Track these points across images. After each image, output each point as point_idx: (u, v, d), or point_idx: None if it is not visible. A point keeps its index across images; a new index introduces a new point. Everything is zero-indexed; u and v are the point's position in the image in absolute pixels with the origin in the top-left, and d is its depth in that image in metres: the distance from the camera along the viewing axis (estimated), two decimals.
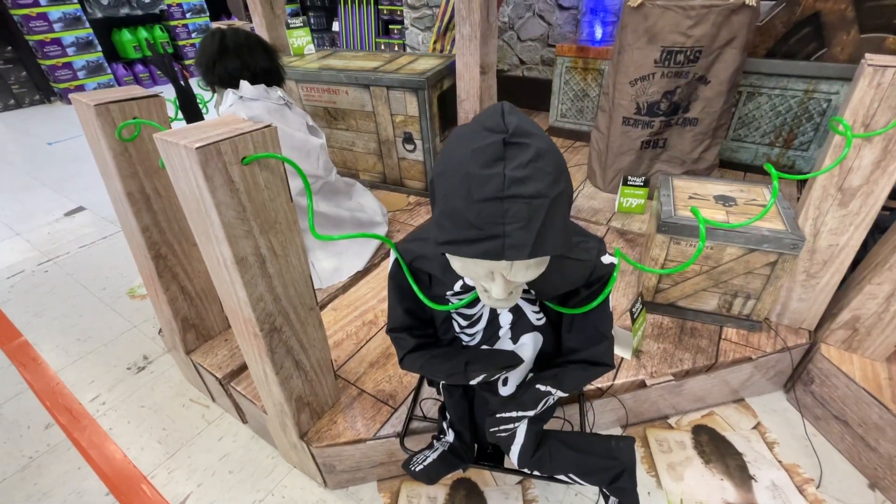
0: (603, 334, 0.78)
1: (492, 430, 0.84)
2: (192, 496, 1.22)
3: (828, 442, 1.29)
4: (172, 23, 5.31)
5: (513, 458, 0.88)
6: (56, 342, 1.76)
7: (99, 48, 4.82)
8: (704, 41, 1.67)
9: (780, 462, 1.25)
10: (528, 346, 0.82)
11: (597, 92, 2.51)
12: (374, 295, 1.58)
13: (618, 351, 1.31)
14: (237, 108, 1.51)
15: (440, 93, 1.98)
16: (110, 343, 1.74)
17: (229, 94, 1.56)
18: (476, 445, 1.00)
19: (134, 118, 1.00)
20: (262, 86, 1.57)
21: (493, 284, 0.56)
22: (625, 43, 1.78)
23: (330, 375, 1.14)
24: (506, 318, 0.81)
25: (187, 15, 5.41)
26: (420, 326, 0.86)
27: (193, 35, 5.52)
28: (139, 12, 4.96)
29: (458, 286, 0.74)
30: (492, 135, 0.48)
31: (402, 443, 1.07)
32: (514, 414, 0.82)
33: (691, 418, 1.38)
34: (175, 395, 1.52)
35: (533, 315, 0.80)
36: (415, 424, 1.12)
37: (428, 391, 1.21)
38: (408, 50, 3.83)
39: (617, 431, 1.35)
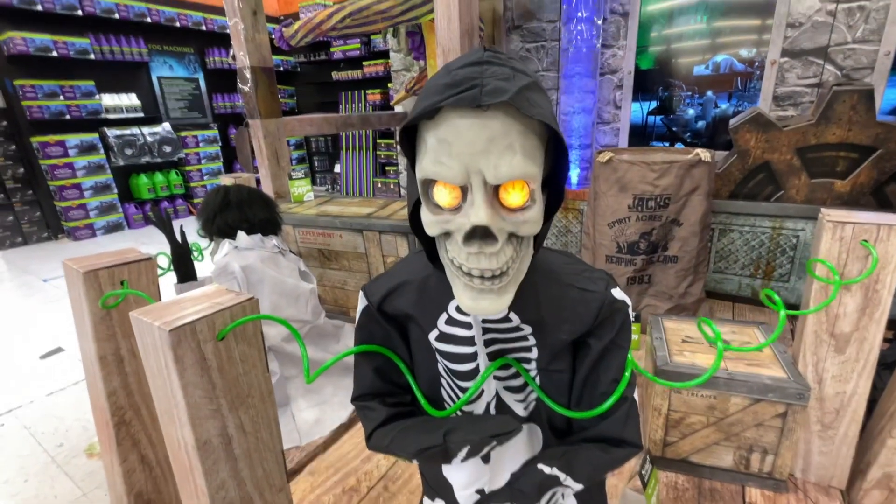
0: (623, 398, 0.59)
1: None
2: None
3: None
4: (188, 168, 5.83)
5: None
6: None
7: (115, 190, 5.20)
8: (671, 190, 1.82)
9: None
10: (520, 441, 0.65)
11: (578, 228, 2.66)
12: (358, 454, 1.44)
13: None
14: (231, 257, 1.55)
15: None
16: None
17: (225, 243, 1.62)
18: None
19: (122, 282, 1.00)
20: (259, 235, 1.64)
21: (472, 208, 0.44)
22: (599, 190, 1.94)
23: None
24: (481, 404, 0.64)
25: (202, 161, 5.97)
26: (393, 392, 0.69)
27: (205, 177, 6.02)
28: (159, 160, 5.48)
29: (443, 320, 0.60)
30: (471, 55, 0.47)
31: None
32: None
33: None
34: None
35: (518, 405, 0.63)
36: None
37: None
38: (402, 191, 4.15)
39: None
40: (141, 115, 5.35)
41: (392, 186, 5.68)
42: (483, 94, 0.41)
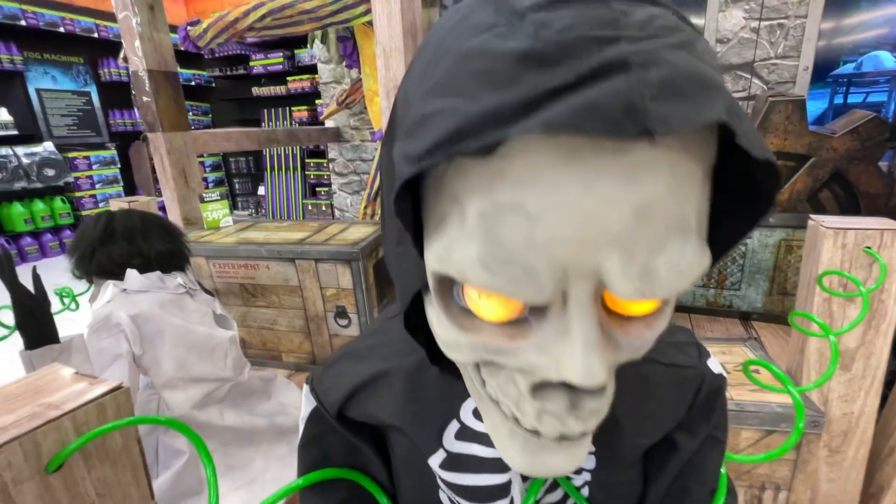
0: None
1: None
2: None
3: None
4: (77, 194, 5.01)
5: None
6: None
7: None
8: None
9: None
10: None
11: None
12: None
13: None
14: (116, 304, 1.17)
15: (376, 261, 1.81)
16: None
17: (109, 286, 1.24)
18: None
19: None
20: (157, 273, 1.28)
21: (567, 342, 0.21)
22: None
23: None
24: None
25: (97, 185, 5.17)
26: None
27: (101, 205, 5.22)
28: (39, 185, 4.63)
29: (451, 433, 0.37)
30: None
31: None
32: None
33: None
34: None
35: None
36: None
37: None
38: (336, 213, 3.83)
39: None
40: (14, 132, 4.51)
41: (324, 208, 5.30)
42: (647, 98, 0.16)
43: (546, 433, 0.25)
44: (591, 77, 0.16)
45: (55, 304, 1.12)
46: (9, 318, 1.05)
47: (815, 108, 2.40)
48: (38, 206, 4.73)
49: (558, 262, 0.19)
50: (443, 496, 0.41)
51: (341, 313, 1.78)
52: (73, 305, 1.38)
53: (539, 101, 0.16)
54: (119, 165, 5.33)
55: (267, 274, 1.81)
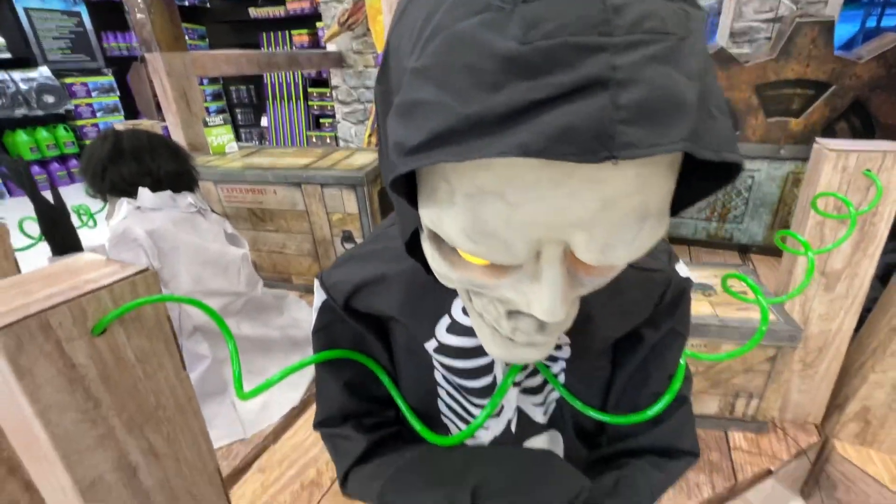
0: (682, 398, 0.47)
1: None
2: None
3: None
4: (79, 122, 4.94)
5: None
6: None
7: None
8: None
9: None
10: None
11: None
12: (316, 440, 1.25)
13: None
14: (132, 221, 1.22)
15: (381, 187, 1.83)
16: None
17: (123, 203, 1.28)
18: None
19: None
20: (168, 192, 1.31)
21: (539, 287, 0.25)
22: None
23: None
24: (501, 422, 0.48)
25: (98, 114, 5.09)
26: (371, 411, 0.51)
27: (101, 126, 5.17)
28: (40, 112, 4.56)
29: (443, 327, 0.43)
30: None
31: None
32: None
33: None
34: None
35: (536, 409, 0.48)
36: None
37: None
38: (340, 143, 3.78)
39: None
40: (7, 55, 4.37)
41: (329, 141, 5.21)
42: (618, 109, 0.17)
43: (518, 341, 0.31)
44: (570, 93, 0.17)
45: (73, 222, 1.18)
46: (33, 230, 1.11)
47: (844, 31, 2.25)
48: (42, 133, 4.70)
49: (532, 238, 0.23)
50: (437, 375, 0.48)
51: (348, 237, 1.83)
52: (90, 223, 1.43)
53: (520, 113, 0.18)
54: (118, 94, 5.20)
55: (274, 199, 1.85)
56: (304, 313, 1.63)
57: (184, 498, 0.62)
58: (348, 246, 1.86)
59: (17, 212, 4.39)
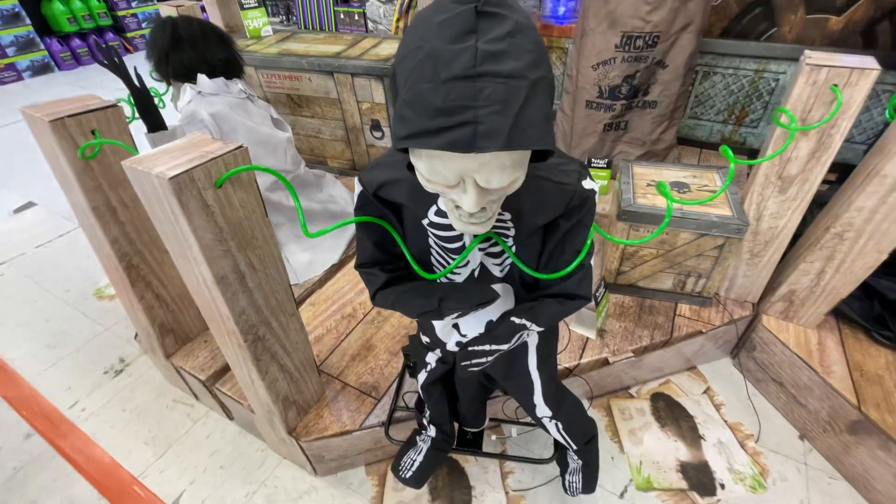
0: (581, 265, 0.70)
1: (463, 363, 0.80)
2: (185, 493, 1.27)
3: (766, 401, 1.46)
4: None
5: (538, 403, 0.94)
6: (24, 350, 1.72)
7: (28, 21, 4.42)
8: (662, 26, 1.71)
9: (725, 421, 1.40)
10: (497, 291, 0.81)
11: (561, 70, 2.53)
12: (352, 287, 1.62)
13: (583, 331, 1.41)
14: (196, 104, 1.46)
15: None
16: (83, 348, 1.72)
17: (187, 89, 1.50)
18: (457, 434, 1.07)
19: (93, 131, 0.97)
20: (222, 79, 1.52)
21: (464, 196, 0.49)
22: (587, 27, 1.80)
23: (313, 373, 1.19)
24: (468, 270, 0.75)
25: None
26: (390, 260, 0.78)
27: (134, 4, 5.11)
28: None
29: (432, 212, 0.68)
30: (461, 5, 0.42)
31: (386, 433, 1.15)
32: (486, 347, 0.79)
33: (650, 387, 1.51)
34: (157, 396, 1.54)
35: (495, 268, 0.74)
36: (398, 414, 1.19)
37: (409, 383, 1.27)
38: (369, 25, 3.70)
39: (584, 404, 1.47)
40: None
41: (357, 18, 4.99)
42: (477, 138, 0.41)
43: (464, 220, 0.56)
44: (460, 125, 0.41)
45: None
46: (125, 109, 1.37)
47: None
48: (76, 4, 4.71)
49: (454, 175, 0.47)
50: (430, 240, 0.75)
51: (376, 126, 2.03)
52: (161, 104, 1.67)
53: (442, 131, 0.41)
54: None
55: (309, 86, 2.01)
56: (339, 191, 1.91)
57: (270, 298, 0.96)
58: (376, 134, 2.06)
59: (72, 85, 4.57)
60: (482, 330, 0.80)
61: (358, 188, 0.72)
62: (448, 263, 0.74)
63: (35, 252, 2.23)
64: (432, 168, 0.47)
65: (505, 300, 0.79)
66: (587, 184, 0.66)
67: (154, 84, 1.60)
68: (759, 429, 1.38)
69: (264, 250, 0.89)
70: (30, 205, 2.61)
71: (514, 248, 0.71)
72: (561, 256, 0.71)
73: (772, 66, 2.06)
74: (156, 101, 1.62)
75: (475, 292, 0.70)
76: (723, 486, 1.25)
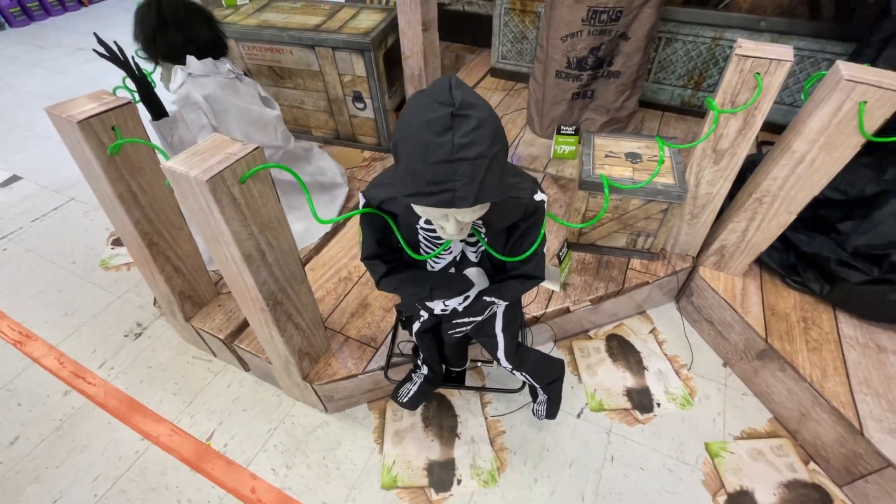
0: (535, 253, 0.91)
1: (450, 332, 1.08)
2: (216, 432, 1.50)
3: (699, 337, 1.75)
4: None
5: (500, 357, 1.17)
6: (43, 319, 1.87)
7: None
8: (624, 1, 1.83)
9: (665, 355, 1.69)
10: (472, 275, 1.04)
11: (534, 35, 2.62)
12: (346, 253, 1.80)
13: (549, 285, 1.65)
14: (189, 87, 1.54)
15: (386, 50, 2.04)
16: (100, 314, 1.88)
17: (178, 71, 1.58)
18: (444, 373, 1.33)
19: (112, 127, 1.09)
20: (210, 59, 1.59)
21: (447, 223, 0.71)
22: (555, 0, 1.91)
23: (321, 329, 1.40)
24: (450, 258, 0.97)
25: None
26: (389, 253, 0.99)
27: None
28: None
29: (422, 220, 0.88)
30: (441, 107, 0.60)
31: (385, 375, 1.38)
32: (465, 319, 1.04)
33: (606, 329, 1.78)
34: (177, 354, 1.74)
35: (472, 254, 0.96)
36: (394, 360, 1.43)
37: (402, 334, 1.50)
38: None
39: (550, 345, 1.74)
40: None
41: None
42: (455, 200, 0.62)
43: (447, 234, 0.76)
44: (443, 192, 0.63)
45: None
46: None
47: None
48: None
49: (440, 215, 0.71)
50: (420, 237, 0.94)
51: (358, 97, 2.12)
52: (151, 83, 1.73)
53: (431, 195, 0.64)
54: None
55: (291, 58, 2.07)
56: (328, 163, 2.04)
57: (285, 269, 1.14)
58: (359, 105, 2.16)
59: (27, 45, 4.33)
60: (461, 301, 1.03)
61: (362, 200, 0.93)
62: (433, 250, 0.96)
63: (32, 226, 2.31)
64: (426, 211, 0.71)
65: (479, 284, 1.02)
66: (538, 196, 0.88)
67: (142, 63, 1.67)
68: (691, 359, 1.68)
69: (278, 230, 1.06)
70: (15, 178, 2.64)
71: (486, 240, 0.93)
72: (521, 247, 0.93)
73: (727, 35, 2.21)
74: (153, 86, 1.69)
75: (457, 283, 0.96)
76: (658, 405, 1.55)
